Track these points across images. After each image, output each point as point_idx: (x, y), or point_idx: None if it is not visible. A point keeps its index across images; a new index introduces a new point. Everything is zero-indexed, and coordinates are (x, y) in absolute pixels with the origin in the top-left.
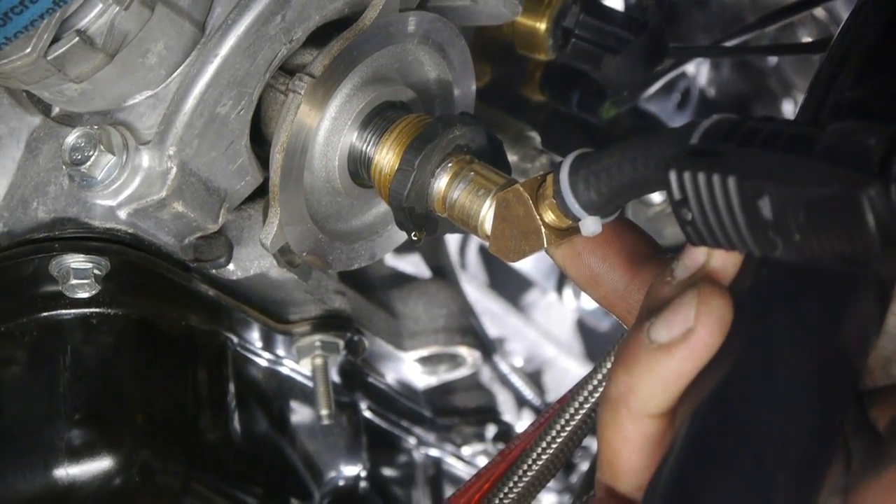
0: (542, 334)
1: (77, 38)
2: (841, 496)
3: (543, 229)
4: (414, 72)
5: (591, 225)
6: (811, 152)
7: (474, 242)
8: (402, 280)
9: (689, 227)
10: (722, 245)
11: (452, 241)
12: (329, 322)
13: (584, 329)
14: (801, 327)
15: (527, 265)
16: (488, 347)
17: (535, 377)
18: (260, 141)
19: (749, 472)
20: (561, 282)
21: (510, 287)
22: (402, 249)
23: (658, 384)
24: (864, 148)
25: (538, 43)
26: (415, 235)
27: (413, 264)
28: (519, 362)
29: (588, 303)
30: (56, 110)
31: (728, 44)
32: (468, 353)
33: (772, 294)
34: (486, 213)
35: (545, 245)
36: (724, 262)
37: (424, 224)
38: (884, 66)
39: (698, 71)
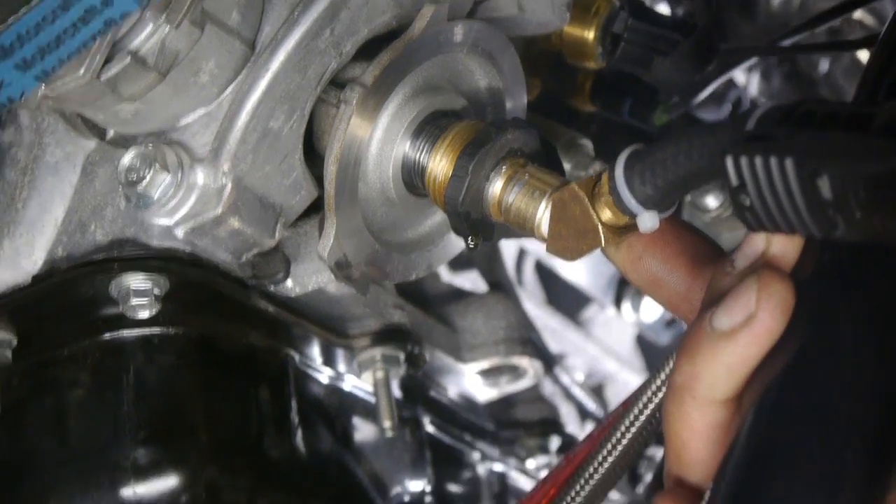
0: (602, 349)
1: (129, 59)
2: None
3: (601, 227)
4: (464, 80)
5: (648, 220)
6: (868, 130)
7: (531, 259)
8: (459, 295)
9: (747, 213)
10: (782, 229)
11: (508, 257)
12: (389, 335)
13: (644, 343)
14: (864, 310)
15: (584, 280)
16: (548, 359)
17: (596, 391)
18: (313, 156)
19: (818, 455)
20: (619, 296)
21: (568, 302)
22: (459, 266)
23: (722, 371)
24: None
25: (587, 51)
26: (472, 241)
27: (470, 280)
28: (580, 377)
29: (648, 316)
30: (111, 133)
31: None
32: (529, 364)
33: (834, 278)
34: (543, 215)
35: (603, 243)
36: (784, 247)
37: (481, 229)
38: None
39: (749, 80)
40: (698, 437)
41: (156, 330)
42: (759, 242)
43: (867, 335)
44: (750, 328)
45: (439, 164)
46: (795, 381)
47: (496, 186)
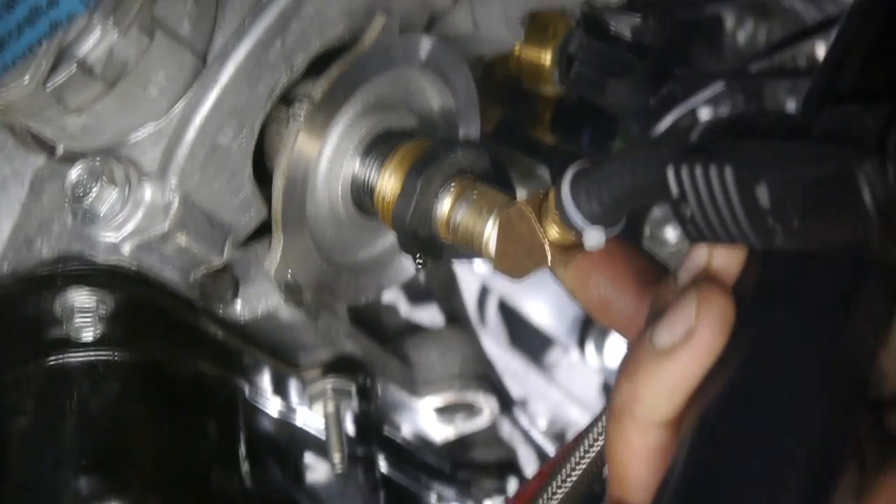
0: (565, 395)
1: (76, 67)
2: (855, 498)
3: (547, 245)
4: (417, 100)
5: (594, 236)
6: (808, 138)
7: (494, 297)
8: (416, 329)
9: (689, 225)
10: (721, 239)
11: (470, 294)
12: (340, 366)
13: (609, 389)
14: (805, 327)
15: (547, 321)
16: (506, 397)
17: (558, 437)
18: (265, 177)
19: (757, 476)
20: (583, 339)
21: (532, 344)
22: (418, 299)
23: (662, 390)
24: (860, 127)
25: (544, 75)
26: (419, 260)
27: (429, 315)
28: (543, 424)
29: (612, 361)
30: (60, 150)
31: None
32: (484, 401)
33: (776, 292)
34: (490, 233)
35: (549, 261)
36: (727, 260)
37: (429, 248)
38: (883, 55)
39: (715, 113)
40: (639, 459)
41: (102, 355)
42: (701, 256)
43: (809, 352)
44: (690, 344)
45: (388, 183)
46: (734, 402)
47: (444, 205)
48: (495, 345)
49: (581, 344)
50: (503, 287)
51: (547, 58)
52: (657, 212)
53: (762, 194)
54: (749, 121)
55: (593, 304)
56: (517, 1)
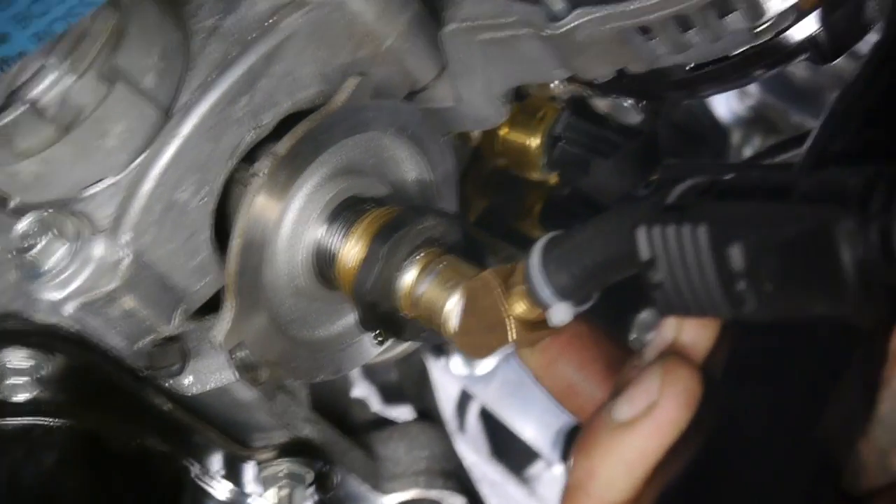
0: None
1: (26, 107)
2: None
3: (511, 320)
4: (391, 169)
5: (561, 312)
6: (788, 200)
7: (475, 404)
8: (384, 422)
9: (657, 292)
10: (691, 309)
11: (448, 399)
12: (297, 450)
13: None
14: (777, 408)
15: (531, 432)
16: (475, 498)
17: None
18: (226, 241)
19: None
20: (567, 453)
21: (513, 456)
22: (390, 400)
23: (620, 466)
24: (842, 187)
25: (531, 160)
26: (379, 336)
27: (400, 415)
28: None
29: None
30: (14, 202)
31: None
32: (450, 500)
33: (745, 370)
34: (453, 308)
35: (512, 338)
36: (696, 336)
37: (389, 324)
38: (873, 122)
39: None
40: None
41: (39, 420)
42: (669, 331)
43: (779, 435)
44: (651, 417)
45: (351, 250)
46: (695, 482)
47: (409, 276)
48: (475, 453)
49: (565, 457)
50: (486, 394)
51: (534, 142)
52: (644, 314)
53: (735, 255)
54: (728, 182)
55: (559, 388)
56: (500, 77)
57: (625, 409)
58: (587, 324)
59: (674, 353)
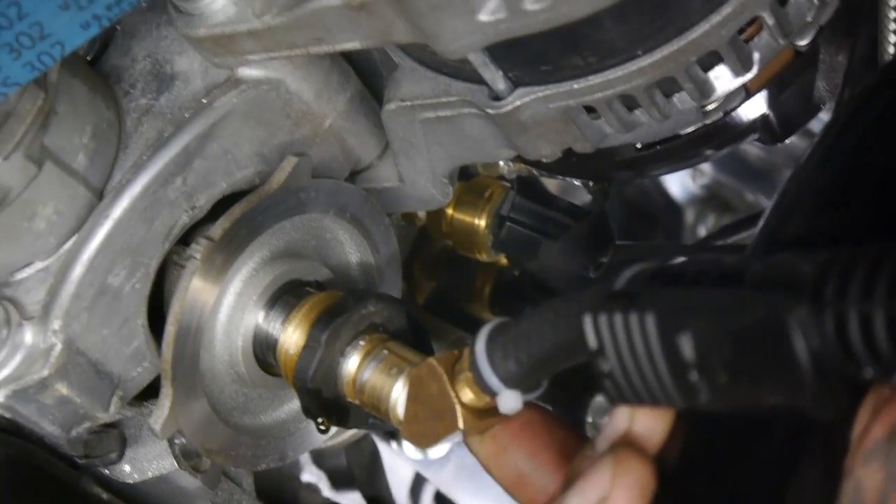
0: None
1: None
2: None
3: (458, 408)
4: (333, 252)
5: (509, 400)
6: (740, 284)
7: (429, 489)
8: None
9: (607, 381)
10: (643, 399)
11: (401, 485)
12: None
13: None
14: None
15: None
16: None
17: None
18: (163, 327)
19: None
20: None
21: None
22: (340, 486)
23: None
24: (795, 274)
25: (478, 241)
26: (322, 423)
27: (351, 501)
28: None
29: None
30: None
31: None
32: None
33: (701, 462)
34: (399, 395)
35: (460, 425)
36: (649, 426)
37: (333, 411)
38: (822, 203)
39: None
40: None
41: None
42: (622, 421)
43: None
44: None
45: (292, 336)
46: None
47: (352, 363)
48: None
49: None
50: (440, 478)
51: (482, 223)
52: (600, 398)
53: (686, 345)
54: (677, 268)
55: (509, 479)
56: (443, 156)
57: (575, 502)
58: (538, 411)
59: (626, 444)
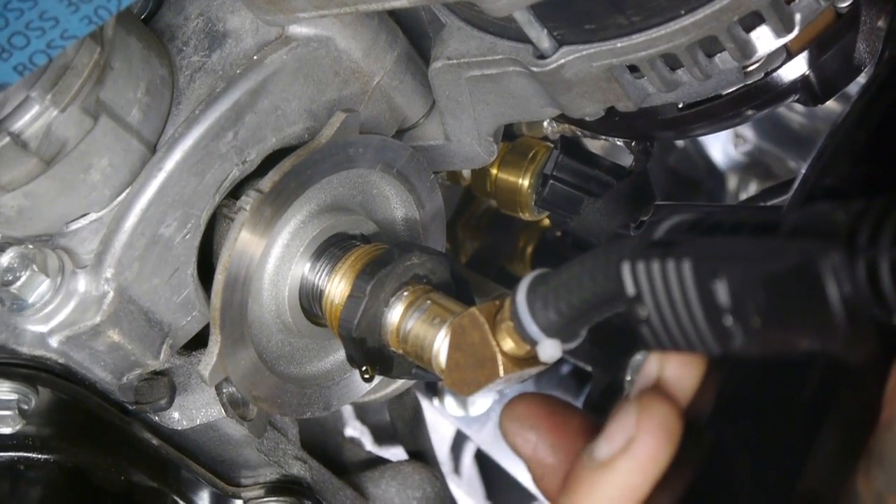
0: None
1: (8, 139)
2: None
3: (500, 356)
4: (378, 206)
5: (549, 349)
6: (774, 235)
7: (470, 447)
8: (376, 461)
9: (643, 328)
10: (679, 344)
11: (443, 442)
12: (285, 489)
13: None
14: (765, 446)
15: (528, 475)
16: None
17: None
18: (212, 277)
19: None
20: None
21: (508, 499)
22: (382, 442)
23: None
24: (829, 222)
25: (522, 200)
26: (367, 371)
27: (393, 456)
28: None
29: None
30: None
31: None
32: None
33: (733, 406)
34: (441, 344)
35: (502, 373)
36: (679, 372)
37: (378, 360)
38: (859, 157)
39: None
40: None
41: (24, 454)
42: (652, 369)
43: (768, 474)
44: (630, 453)
45: (337, 287)
46: None
47: (395, 313)
48: (469, 496)
49: None
50: (481, 436)
51: (525, 182)
52: (639, 357)
53: (721, 291)
54: (714, 219)
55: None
56: (488, 115)
57: (603, 447)
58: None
59: (652, 389)
